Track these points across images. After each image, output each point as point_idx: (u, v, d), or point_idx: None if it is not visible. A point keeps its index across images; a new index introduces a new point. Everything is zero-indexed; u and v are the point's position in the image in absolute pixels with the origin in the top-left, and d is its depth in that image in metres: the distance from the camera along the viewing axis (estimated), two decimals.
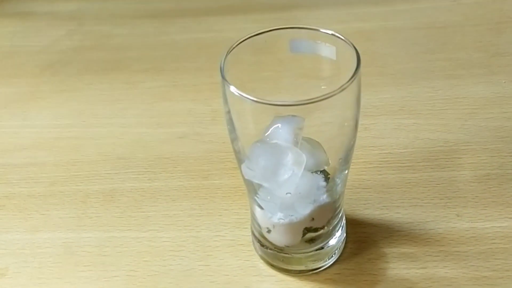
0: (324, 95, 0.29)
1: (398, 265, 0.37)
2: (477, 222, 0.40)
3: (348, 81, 0.30)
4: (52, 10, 0.74)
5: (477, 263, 0.37)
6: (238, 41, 0.34)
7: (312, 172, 0.34)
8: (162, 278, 0.39)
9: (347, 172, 0.36)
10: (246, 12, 0.69)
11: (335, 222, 0.37)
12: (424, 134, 0.48)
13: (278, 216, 0.34)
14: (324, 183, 0.33)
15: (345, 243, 0.39)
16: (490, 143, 0.46)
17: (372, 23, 0.64)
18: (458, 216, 0.40)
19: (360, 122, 0.49)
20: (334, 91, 0.29)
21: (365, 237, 0.40)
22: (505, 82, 0.52)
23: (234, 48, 0.33)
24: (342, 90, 0.29)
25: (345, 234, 0.39)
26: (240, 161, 0.35)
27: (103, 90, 0.59)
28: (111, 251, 0.41)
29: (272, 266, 0.38)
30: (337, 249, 0.38)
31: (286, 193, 0.33)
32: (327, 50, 0.33)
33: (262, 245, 0.38)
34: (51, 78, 0.61)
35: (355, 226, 0.40)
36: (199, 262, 0.39)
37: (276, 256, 0.38)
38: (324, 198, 0.34)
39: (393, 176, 0.44)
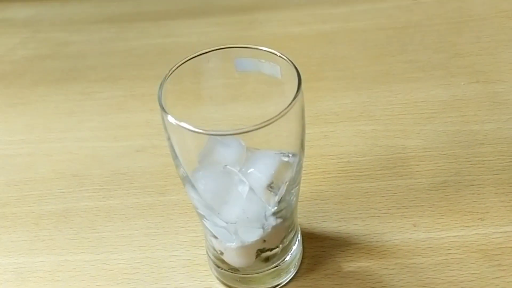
0: (263, 123, 0.28)
1: (354, 280, 0.37)
2: (433, 232, 0.40)
3: (287, 106, 0.29)
4: (6, 16, 0.72)
5: (433, 275, 0.37)
6: (176, 64, 0.33)
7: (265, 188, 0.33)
8: None
9: (298, 189, 0.35)
10: (207, 15, 0.68)
11: (289, 239, 0.36)
12: (383, 141, 0.47)
13: (227, 240, 0.34)
14: (272, 208, 0.33)
15: (302, 258, 0.39)
16: (448, 149, 0.46)
17: (332, 24, 0.63)
18: (414, 226, 0.40)
19: (319, 130, 0.50)
20: (273, 118, 0.28)
21: (322, 251, 0.39)
22: (463, 84, 0.52)
23: (172, 72, 0.32)
24: (282, 115, 0.28)
25: (301, 249, 0.39)
26: (185, 185, 0.34)
27: (58, 102, 0.57)
28: (63, 276, 0.40)
29: (229, 287, 0.37)
30: (293, 265, 0.38)
31: (230, 223, 0.32)
32: (271, 69, 0.32)
33: (218, 266, 0.37)
34: (3, 91, 0.59)
35: (312, 240, 0.40)
36: (154, 285, 0.39)
37: (232, 277, 0.37)
38: (273, 221, 0.33)
39: (351, 186, 0.44)
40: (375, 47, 0.59)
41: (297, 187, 0.34)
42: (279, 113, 0.28)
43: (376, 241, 0.39)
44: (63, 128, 0.53)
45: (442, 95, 0.51)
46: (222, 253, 0.35)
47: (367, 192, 0.43)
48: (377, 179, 0.44)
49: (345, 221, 0.41)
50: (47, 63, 0.63)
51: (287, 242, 0.36)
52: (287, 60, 0.31)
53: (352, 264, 0.38)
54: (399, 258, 0.38)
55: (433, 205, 0.41)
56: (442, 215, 0.41)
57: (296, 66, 0.31)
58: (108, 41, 0.65)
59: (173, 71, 0.32)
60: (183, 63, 0.33)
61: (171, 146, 0.32)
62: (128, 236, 0.42)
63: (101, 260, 0.41)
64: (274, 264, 0.36)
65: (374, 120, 0.49)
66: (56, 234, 0.43)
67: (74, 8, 0.72)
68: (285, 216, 0.34)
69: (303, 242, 0.39)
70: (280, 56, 0.31)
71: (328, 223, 0.41)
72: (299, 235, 0.38)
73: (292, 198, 0.34)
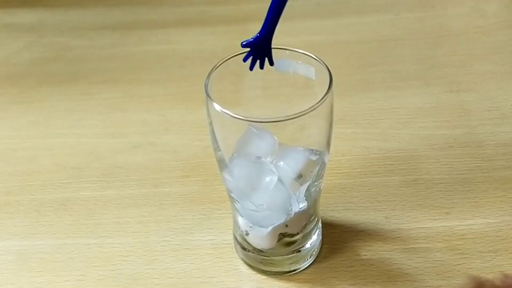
0: (295, 114, 0.32)
1: (328, 264, 0.41)
2: (403, 224, 0.43)
3: (319, 101, 0.33)
4: (12, 21, 0.76)
5: (401, 261, 0.41)
6: (223, 59, 0.36)
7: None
8: (110, 282, 0.41)
9: (322, 182, 0.38)
10: (202, 24, 0.72)
11: (310, 228, 0.40)
12: (361, 142, 0.51)
13: (254, 222, 0.37)
14: (297, 199, 0.36)
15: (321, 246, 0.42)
16: (420, 151, 0.50)
17: (320, 36, 0.67)
18: (386, 218, 0.44)
19: None
20: (305, 110, 0.32)
21: None
22: (437, 93, 0.56)
23: (219, 65, 0.36)
24: (313, 109, 0.32)
25: (321, 239, 0.42)
26: (221, 169, 0.37)
27: (60, 101, 0.60)
28: (62, 257, 0.43)
29: (252, 267, 0.41)
30: (311, 254, 0.41)
31: (259, 205, 0.36)
32: (306, 70, 0.36)
33: (243, 247, 0.41)
34: (9, 90, 0.63)
35: None
36: (145, 266, 0.42)
37: (255, 258, 0.40)
38: (297, 208, 0.37)
39: (330, 182, 0.47)
40: (358, 58, 0.63)
41: (321, 180, 0.38)
42: (310, 107, 0.32)
43: (351, 231, 0.43)
44: (64, 125, 0.57)
45: (417, 102, 0.55)
46: (247, 234, 0.39)
47: (344, 188, 0.47)
48: (354, 176, 0.48)
49: (323, 212, 0.45)
50: (50, 66, 0.67)
51: (308, 230, 0.40)
52: (321, 62, 0.35)
53: (328, 250, 0.42)
54: (371, 246, 0.42)
55: (404, 200, 0.45)
56: (411, 209, 0.44)
57: (328, 67, 0.35)
58: (109, 47, 0.69)
59: (220, 64, 0.36)
60: (229, 59, 0.36)
61: (212, 132, 0.36)
62: (123, 223, 0.46)
63: (98, 244, 0.44)
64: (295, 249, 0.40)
65: (354, 124, 0.53)
66: (56, 220, 0.46)
67: (77, 15, 0.76)
68: (307, 205, 0.38)
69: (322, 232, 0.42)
70: (314, 58, 0.35)
71: None
72: (320, 224, 0.42)
73: (315, 189, 0.37)
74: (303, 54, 0.37)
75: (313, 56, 0.36)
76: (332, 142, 0.51)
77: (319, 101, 0.34)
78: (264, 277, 0.41)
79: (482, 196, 0.45)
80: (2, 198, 0.49)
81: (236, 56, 0.37)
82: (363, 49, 0.64)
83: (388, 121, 0.53)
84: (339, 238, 0.43)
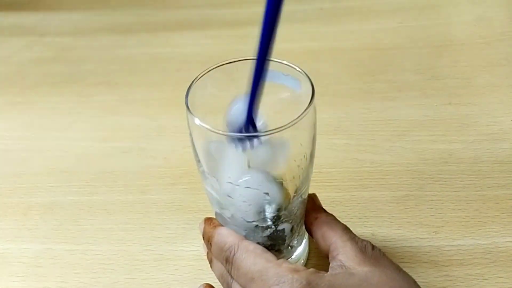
0: (274, 129, 0.31)
1: None
2: (389, 241, 0.42)
3: (300, 115, 0.32)
4: (14, 21, 0.76)
5: None
6: (204, 71, 0.35)
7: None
8: None
9: (305, 193, 0.37)
10: (203, 28, 0.71)
11: (296, 239, 0.39)
12: (353, 154, 0.50)
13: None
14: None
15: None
16: (413, 165, 0.48)
17: (320, 42, 0.66)
18: (372, 235, 0.43)
19: None
20: (285, 125, 0.31)
21: None
22: (436, 105, 0.55)
23: (201, 77, 0.35)
24: (294, 123, 0.31)
25: (307, 249, 0.41)
26: (203, 180, 0.36)
27: (57, 103, 0.61)
28: (45, 263, 0.43)
29: None
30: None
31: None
32: (293, 82, 0.35)
33: None
34: (7, 89, 0.63)
35: None
36: (126, 276, 0.42)
37: None
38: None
39: (319, 194, 0.45)
40: (357, 66, 0.62)
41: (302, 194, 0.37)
42: (290, 122, 0.31)
43: None
44: (58, 128, 0.57)
45: (414, 114, 0.54)
46: None
47: (333, 201, 0.46)
48: (344, 189, 0.47)
49: None
50: (50, 66, 0.67)
51: (294, 242, 0.39)
52: (303, 73, 0.34)
53: (310, 266, 0.41)
54: None
55: (392, 216, 0.44)
56: (399, 227, 0.43)
57: (311, 79, 0.34)
58: (108, 48, 0.69)
59: (202, 76, 0.35)
60: (211, 70, 0.35)
61: (192, 143, 0.35)
62: (107, 230, 0.45)
63: (80, 250, 0.44)
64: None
65: (347, 135, 0.52)
66: (42, 224, 0.46)
67: (78, 16, 0.76)
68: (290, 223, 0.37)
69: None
70: (298, 70, 0.34)
71: None
72: (306, 236, 0.41)
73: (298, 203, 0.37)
74: (287, 66, 0.36)
75: (297, 68, 0.35)
76: (323, 153, 0.51)
77: (299, 116, 0.32)
78: None
79: (474, 215, 0.44)
80: None
81: (221, 66, 0.36)
82: (363, 57, 0.63)
83: (382, 133, 0.52)
84: (322, 255, 0.42)
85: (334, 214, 0.44)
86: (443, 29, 0.65)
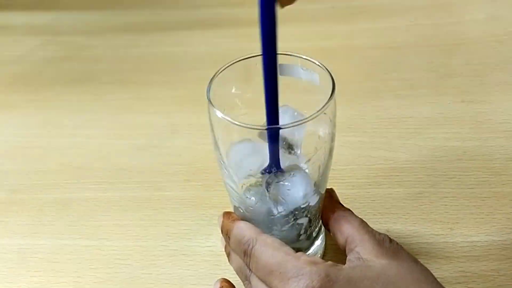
0: (297, 121, 0.31)
1: None
2: (404, 238, 0.42)
3: (320, 109, 0.32)
4: (28, 20, 0.77)
5: None
6: (225, 65, 0.35)
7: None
8: (106, 285, 0.41)
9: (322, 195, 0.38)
10: (216, 27, 0.72)
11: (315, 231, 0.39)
12: (367, 152, 0.50)
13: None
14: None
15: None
16: (427, 163, 0.48)
17: (334, 41, 0.66)
18: (387, 231, 0.43)
19: None
20: (306, 118, 0.31)
21: None
22: (449, 103, 0.54)
23: (221, 71, 0.35)
24: (315, 117, 0.32)
25: (324, 243, 0.41)
26: (223, 174, 0.36)
27: (72, 101, 0.61)
28: (61, 258, 0.44)
29: None
30: None
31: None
32: (311, 76, 0.35)
33: None
34: (23, 88, 0.64)
35: None
36: (142, 271, 0.42)
37: None
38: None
39: None
40: (370, 64, 0.62)
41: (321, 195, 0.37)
42: (311, 115, 0.31)
43: None
44: (73, 125, 0.58)
45: (428, 112, 0.54)
46: None
47: (347, 198, 0.46)
48: (358, 187, 0.47)
49: None
50: (64, 65, 0.67)
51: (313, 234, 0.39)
52: (324, 68, 0.34)
53: (327, 260, 0.41)
54: None
55: (407, 213, 0.44)
56: (414, 223, 0.43)
57: (332, 74, 0.34)
58: (122, 47, 0.70)
59: (223, 70, 0.35)
60: (231, 64, 0.35)
61: (213, 137, 0.35)
62: (123, 226, 0.46)
63: (96, 246, 0.44)
64: None
65: (361, 132, 0.52)
66: (58, 220, 0.47)
67: (92, 16, 0.77)
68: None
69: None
70: (318, 65, 0.35)
71: None
72: (323, 230, 0.41)
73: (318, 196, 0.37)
74: (307, 60, 0.36)
75: (317, 63, 0.35)
76: (337, 151, 0.51)
77: (320, 109, 0.33)
78: None
79: (488, 212, 0.43)
80: (8, 196, 0.50)
81: (241, 61, 0.36)
82: (376, 55, 0.63)
83: (396, 131, 0.52)
84: (337, 251, 0.42)
85: None
86: (455, 28, 0.65)
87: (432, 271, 0.39)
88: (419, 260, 0.40)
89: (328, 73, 0.34)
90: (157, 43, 0.70)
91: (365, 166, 0.49)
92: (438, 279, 0.39)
